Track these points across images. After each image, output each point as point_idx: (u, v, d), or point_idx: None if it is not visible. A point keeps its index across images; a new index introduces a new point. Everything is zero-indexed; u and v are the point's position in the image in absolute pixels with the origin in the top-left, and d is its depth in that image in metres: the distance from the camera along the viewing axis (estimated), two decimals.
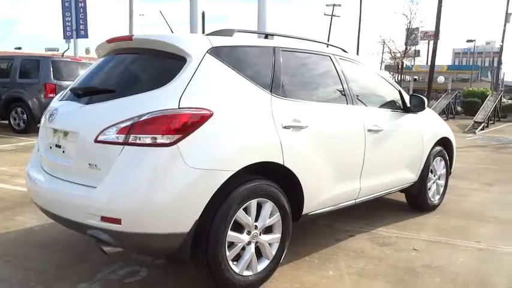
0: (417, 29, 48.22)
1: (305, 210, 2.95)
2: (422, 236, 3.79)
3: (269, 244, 2.71)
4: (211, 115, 2.34)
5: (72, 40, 15.95)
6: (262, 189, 2.58)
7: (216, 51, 2.58)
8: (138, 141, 2.22)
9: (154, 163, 2.21)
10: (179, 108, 2.28)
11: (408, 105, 3.98)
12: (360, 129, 3.34)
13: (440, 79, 37.74)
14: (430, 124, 4.32)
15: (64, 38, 16.01)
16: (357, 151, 3.33)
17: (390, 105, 3.88)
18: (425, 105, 3.93)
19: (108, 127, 2.29)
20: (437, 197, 4.62)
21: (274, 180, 2.68)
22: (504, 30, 31.43)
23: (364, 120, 3.40)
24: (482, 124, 15.33)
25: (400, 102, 3.98)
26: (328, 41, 33.52)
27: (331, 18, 40.26)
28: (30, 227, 3.75)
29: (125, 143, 2.23)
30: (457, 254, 3.39)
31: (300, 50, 3.17)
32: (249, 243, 2.59)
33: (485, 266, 3.18)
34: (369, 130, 3.41)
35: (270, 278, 2.77)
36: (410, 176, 4.08)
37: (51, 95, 8.97)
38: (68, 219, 2.40)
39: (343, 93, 3.33)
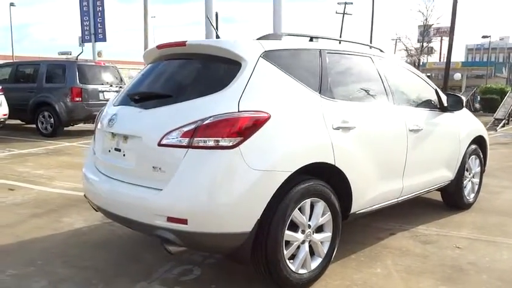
0: (430, 25, 47.91)
1: (353, 209, 3.01)
2: (463, 234, 3.82)
3: (321, 242, 2.78)
4: (269, 117, 2.42)
5: (85, 44, 16.23)
6: (315, 189, 2.65)
7: (268, 55, 2.65)
8: (201, 144, 2.30)
9: (218, 165, 2.30)
10: (239, 111, 2.36)
11: (445, 104, 4.01)
12: (402, 129, 3.39)
13: (457, 76, 37.26)
14: (465, 123, 4.34)
15: (82, 42, 16.31)
16: (400, 150, 3.38)
17: (428, 104, 3.92)
18: (463, 104, 3.95)
19: (171, 131, 2.37)
20: (472, 195, 4.63)
21: (325, 180, 2.75)
22: None
23: (405, 120, 3.44)
24: (503, 121, 15.16)
25: (436, 101, 4.01)
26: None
27: (343, 16, 40.10)
28: (78, 227, 3.87)
29: (189, 146, 2.32)
30: (500, 252, 3.42)
31: (343, 51, 3.23)
32: (303, 242, 2.67)
33: None
34: (411, 130, 3.46)
35: (322, 276, 2.84)
36: (447, 175, 4.11)
37: (77, 99, 9.16)
38: (133, 220, 2.49)
39: (384, 93, 3.38)
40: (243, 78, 2.49)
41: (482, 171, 4.77)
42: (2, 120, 8.69)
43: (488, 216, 4.35)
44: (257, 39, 2.84)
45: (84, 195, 3.17)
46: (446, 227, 4.00)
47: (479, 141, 4.59)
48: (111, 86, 9.91)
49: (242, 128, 2.32)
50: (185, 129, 2.34)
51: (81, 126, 10.69)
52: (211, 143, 2.30)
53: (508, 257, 3.32)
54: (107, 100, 9.67)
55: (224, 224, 2.32)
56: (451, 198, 4.43)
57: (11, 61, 17.12)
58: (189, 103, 2.45)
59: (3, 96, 8.71)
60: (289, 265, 2.58)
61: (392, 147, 3.32)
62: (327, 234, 2.81)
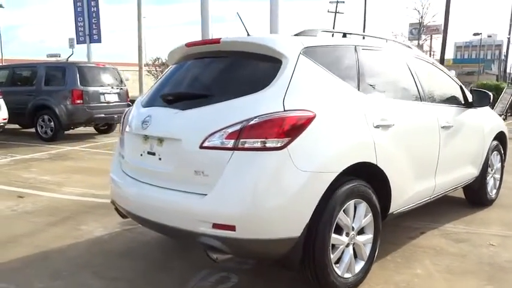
0: (425, 24, 48.19)
1: (391, 209, 2.93)
2: (492, 231, 3.76)
3: (363, 245, 2.69)
4: (314, 116, 2.32)
5: (78, 45, 15.98)
6: (359, 190, 2.56)
7: (308, 52, 2.55)
8: (248, 146, 2.20)
9: (267, 168, 2.19)
10: (285, 110, 2.26)
11: (469, 99, 3.95)
12: (435, 126, 3.32)
13: (452, 73, 37.52)
14: (488, 119, 4.29)
15: (77, 43, 16.04)
16: (434, 148, 3.31)
17: (454, 100, 3.86)
18: (490, 100, 3.89)
19: (214, 133, 2.26)
20: (494, 191, 4.59)
21: (365, 180, 2.66)
22: (511, 24, 31.29)
23: (437, 117, 3.37)
24: (502, 116, 15.28)
25: (461, 97, 3.95)
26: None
27: (335, 15, 40.18)
28: (98, 235, 3.73)
29: (235, 148, 2.20)
30: None
31: (376, 47, 3.15)
32: (347, 245, 2.57)
33: None
34: (442, 127, 3.39)
35: (364, 280, 2.75)
36: (473, 171, 4.05)
37: (79, 102, 8.96)
38: (172, 227, 2.37)
39: (416, 89, 3.31)
40: (285, 75, 2.38)
41: (502, 167, 4.73)
42: (1, 124, 8.44)
43: None
44: (294, 35, 2.73)
45: (112, 201, 3.04)
46: (473, 224, 3.94)
47: (500, 137, 4.55)
48: (112, 87, 9.72)
49: (290, 128, 2.21)
50: (229, 130, 2.23)
51: (80, 129, 10.48)
52: (257, 145, 2.19)
53: None
54: (108, 102, 9.57)
55: (274, 230, 2.21)
56: (475, 195, 4.37)
57: (7, 64, 16.74)
58: (231, 103, 2.34)
59: (2, 100, 8.47)
60: (336, 269, 2.49)
61: (427, 144, 3.25)
62: (368, 236, 2.72)
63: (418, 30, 47.06)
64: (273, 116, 2.22)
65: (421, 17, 35.27)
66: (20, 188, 5.37)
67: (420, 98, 3.31)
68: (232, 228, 2.17)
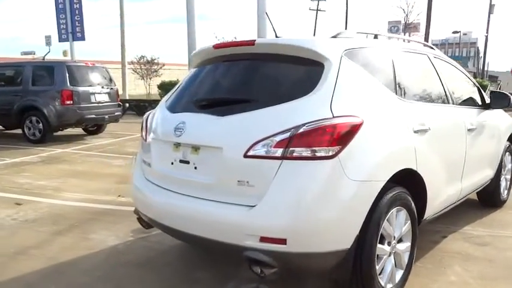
0: (399, 21, 48.94)
1: (426, 215, 2.87)
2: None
3: (402, 253, 2.62)
4: (362, 123, 2.22)
5: (60, 43, 15.50)
6: (400, 197, 2.48)
7: (349, 54, 2.45)
8: (297, 155, 2.08)
9: (318, 178, 2.08)
10: (334, 117, 2.15)
11: (487, 101, 3.94)
12: (462, 128, 3.28)
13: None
14: (502, 119, 4.30)
15: (59, 41, 15.55)
16: (462, 151, 3.27)
17: (474, 102, 3.84)
18: (510, 102, 3.88)
19: (260, 141, 2.14)
20: (506, 192, 4.60)
21: (405, 186, 2.58)
22: (488, 21, 32.05)
23: (464, 120, 3.34)
24: None
25: (479, 98, 3.94)
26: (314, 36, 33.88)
27: (317, 13, 40.27)
28: (112, 245, 3.55)
29: (284, 157, 2.09)
30: None
31: (407, 50, 3.08)
32: (389, 254, 2.50)
33: None
34: (468, 129, 3.36)
35: None
36: (490, 173, 4.05)
37: (68, 102, 8.64)
38: (212, 240, 2.24)
39: (443, 92, 3.26)
40: (330, 79, 2.28)
41: None
42: None
43: None
44: (331, 37, 2.63)
45: (135, 210, 2.89)
46: (492, 227, 3.93)
47: (510, 137, 4.56)
48: (102, 87, 9.41)
49: (340, 136, 2.11)
50: (277, 138, 2.10)
51: (69, 131, 10.13)
52: (308, 153, 2.08)
53: None
54: (99, 103, 9.27)
55: (326, 242, 2.11)
56: (489, 197, 4.37)
57: None
58: (274, 109, 2.22)
59: None
60: (380, 281, 2.41)
61: (457, 147, 3.21)
62: (407, 244, 2.65)
63: (397, 28, 47.84)
64: (323, 123, 2.11)
65: (406, 16, 35.71)
66: (15, 194, 5.11)
67: (447, 100, 3.27)
68: (283, 241, 2.06)
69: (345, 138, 2.13)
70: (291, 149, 2.07)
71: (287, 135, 2.09)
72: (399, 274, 2.60)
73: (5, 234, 3.81)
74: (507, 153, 4.47)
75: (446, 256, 3.27)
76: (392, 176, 2.36)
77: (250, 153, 2.15)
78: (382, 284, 2.43)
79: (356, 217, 2.17)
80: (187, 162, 2.44)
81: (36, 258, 3.26)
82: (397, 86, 2.68)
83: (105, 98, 9.42)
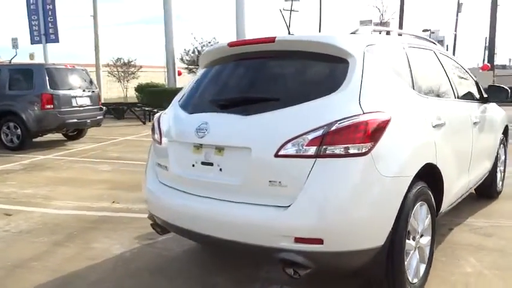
0: (370, 20, 49.84)
1: (442, 208, 2.88)
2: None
3: (424, 247, 2.62)
4: (390, 118, 2.20)
5: (33, 45, 14.98)
6: (423, 192, 2.48)
7: (371, 50, 2.43)
8: (331, 153, 2.04)
9: (353, 175, 2.05)
10: (364, 113, 2.12)
11: (484, 95, 4.01)
12: (469, 122, 3.33)
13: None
14: (498, 112, 4.39)
15: (32, 44, 15.02)
16: (469, 144, 3.31)
17: (475, 96, 3.90)
18: (509, 95, 3.97)
19: (291, 139, 2.08)
20: (500, 183, 4.72)
21: (425, 181, 2.58)
22: (457, 20, 33.01)
23: (470, 114, 3.39)
24: None
25: (477, 92, 4.01)
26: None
27: (290, 13, 40.47)
28: (117, 253, 3.41)
29: (317, 155, 2.04)
30: None
31: (417, 46, 3.09)
32: (414, 249, 2.49)
33: None
34: (474, 123, 3.41)
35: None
36: (489, 165, 4.13)
37: (49, 106, 8.31)
38: (244, 244, 2.17)
39: (450, 87, 3.30)
40: (356, 76, 2.24)
41: (506, 159, 4.87)
42: None
43: None
44: (350, 33, 2.60)
45: (150, 216, 2.78)
46: (493, 217, 4.01)
47: (505, 129, 4.68)
48: (83, 90, 9.11)
49: (372, 132, 2.08)
50: (310, 136, 2.05)
51: (48, 136, 9.76)
52: (341, 151, 2.04)
53: None
54: (80, 106, 8.97)
55: (362, 240, 2.08)
56: (486, 188, 4.46)
57: None
58: (303, 107, 2.17)
59: None
60: (408, 276, 2.40)
61: (465, 141, 3.25)
62: (428, 238, 2.65)
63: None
64: (355, 119, 2.07)
65: (382, 15, 36.40)
66: (2, 204, 4.86)
67: (455, 95, 3.30)
68: (319, 241, 2.01)
69: (377, 134, 2.10)
70: (324, 146, 2.03)
71: (320, 133, 2.04)
72: (422, 268, 2.60)
73: None
74: (502, 144, 4.58)
75: (458, 248, 3.30)
76: (418, 171, 2.35)
77: (282, 152, 2.09)
78: (410, 278, 2.42)
79: (389, 213, 2.15)
80: (211, 164, 2.35)
81: (38, 271, 3.09)
82: (413, 81, 2.68)
83: (87, 101, 9.12)
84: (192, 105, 2.65)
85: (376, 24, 46.49)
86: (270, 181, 2.11)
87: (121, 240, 3.68)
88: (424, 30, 49.01)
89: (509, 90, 3.99)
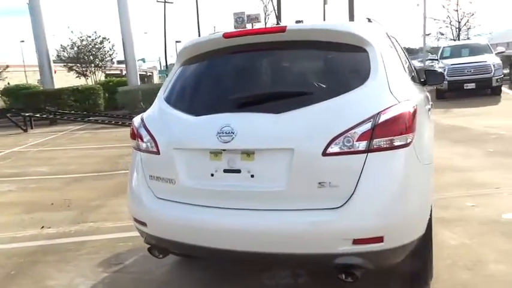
0: (243, 12, 51.34)
1: None
2: (456, 194, 4.24)
3: None
4: (417, 106, 2.19)
5: None
6: None
7: (380, 38, 2.39)
8: (381, 146, 1.94)
9: (403, 167, 1.99)
10: (399, 102, 2.07)
11: (424, 78, 4.33)
12: (427, 105, 3.54)
13: None
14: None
15: None
16: (428, 126, 3.52)
17: (419, 79, 4.17)
18: (444, 78, 4.33)
19: (339, 135, 1.93)
20: None
21: None
22: (324, 11, 35.70)
23: (426, 96, 3.60)
24: None
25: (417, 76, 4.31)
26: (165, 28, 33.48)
27: (164, 4, 39.30)
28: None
29: (368, 150, 1.93)
30: (499, 198, 3.95)
31: (389, 33, 3.15)
32: None
33: None
34: (428, 108, 3.64)
35: None
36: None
37: None
38: (297, 255, 1.97)
39: (411, 72, 3.45)
40: (380, 64, 2.16)
41: None
42: None
43: (454, 174, 4.94)
44: None
45: (148, 239, 2.37)
46: (440, 191, 4.38)
47: None
48: None
49: (412, 122, 2.03)
50: (359, 131, 1.93)
51: None
52: (388, 144, 1.96)
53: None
54: None
55: (414, 231, 2.05)
56: None
57: None
58: (340, 100, 2.02)
59: None
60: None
61: (427, 123, 3.45)
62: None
63: (242, 19, 50.23)
64: (396, 110, 1.99)
65: (265, 6, 37.49)
66: None
67: (410, 78, 3.47)
68: (380, 239, 1.91)
69: (415, 123, 2.07)
70: (374, 140, 1.93)
71: (369, 126, 1.93)
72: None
73: None
74: None
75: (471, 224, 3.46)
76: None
77: (330, 150, 1.93)
78: None
79: (429, 200, 2.17)
80: (237, 171, 2.07)
81: None
82: (404, 67, 2.74)
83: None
84: (196, 105, 2.30)
85: (253, 16, 48.26)
86: (319, 183, 1.94)
87: (80, 271, 3.11)
88: (297, 22, 52.58)
89: (444, 73, 4.39)
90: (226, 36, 2.34)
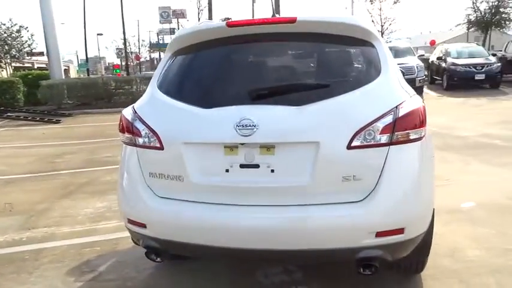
0: (169, 7, 50.31)
1: None
2: None
3: None
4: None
5: None
6: None
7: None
8: (401, 139, 1.97)
9: (420, 159, 2.04)
10: (411, 96, 2.12)
11: None
12: None
13: None
14: None
15: None
16: None
17: None
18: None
19: (363, 128, 1.91)
20: None
21: None
22: (253, 10, 36.06)
23: None
24: None
25: None
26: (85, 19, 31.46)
27: None
28: None
29: (391, 143, 1.94)
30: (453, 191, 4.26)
31: None
32: None
33: None
34: None
35: None
36: None
37: None
38: (320, 250, 1.92)
39: None
40: (388, 58, 2.20)
41: None
42: None
43: None
44: None
45: (146, 242, 2.17)
46: None
47: None
48: None
49: (425, 116, 2.08)
50: (381, 124, 1.93)
51: None
52: (407, 137, 1.98)
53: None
54: None
55: (427, 221, 2.11)
56: None
57: None
58: (359, 92, 2.00)
59: None
60: None
61: None
62: None
63: (168, 14, 49.33)
64: (411, 104, 2.03)
65: (198, 1, 36.78)
66: None
67: None
68: (401, 231, 1.94)
69: (426, 117, 2.13)
70: (396, 133, 1.95)
71: (391, 119, 1.94)
72: None
73: None
74: None
75: None
76: None
77: (355, 143, 1.91)
78: None
79: (435, 191, 2.24)
80: (256, 166, 1.97)
81: None
82: None
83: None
84: (205, 97, 2.15)
85: (179, 11, 47.42)
86: (343, 176, 1.92)
87: (49, 283, 2.79)
88: (226, 19, 52.38)
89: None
90: (230, 25, 2.22)
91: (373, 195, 1.93)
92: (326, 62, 2.26)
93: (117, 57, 56.60)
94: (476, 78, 13.93)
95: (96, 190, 4.94)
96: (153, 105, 2.26)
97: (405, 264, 2.37)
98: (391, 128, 1.94)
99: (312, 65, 2.30)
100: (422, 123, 2.04)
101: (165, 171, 2.12)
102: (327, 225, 1.91)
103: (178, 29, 49.13)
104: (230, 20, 2.26)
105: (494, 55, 15.43)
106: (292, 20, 2.16)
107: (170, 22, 50.69)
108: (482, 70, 13.89)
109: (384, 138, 1.94)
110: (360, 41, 2.22)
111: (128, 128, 2.26)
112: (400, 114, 1.97)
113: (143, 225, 2.16)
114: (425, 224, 2.09)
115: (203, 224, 2.02)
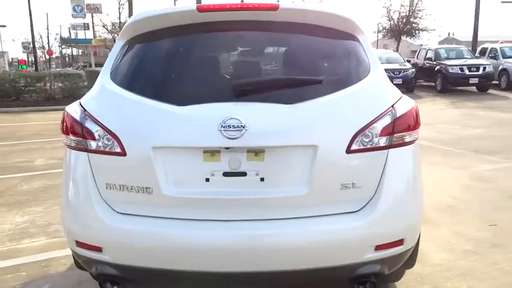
0: (82, 1, 47.41)
1: None
2: None
3: None
4: None
5: None
6: None
7: None
8: (398, 142, 1.80)
9: (415, 163, 1.89)
10: (401, 96, 1.97)
11: None
12: None
13: None
14: None
15: None
16: None
17: None
18: None
19: (362, 130, 1.71)
20: None
21: None
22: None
23: None
24: None
25: None
26: None
27: None
28: None
29: (390, 146, 1.77)
30: None
31: None
32: None
33: None
34: None
35: None
36: None
37: None
38: (318, 269, 1.68)
39: None
40: (374, 54, 2.03)
41: None
42: None
43: None
44: None
45: (101, 270, 1.77)
46: None
47: None
48: None
49: (418, 116, 1.93)
50: (380, 125, 1.74)
51: None
52: (403, 139, 1.81)
53: None
54: None
55: (419, 229, 1.97)
56: None
57: None
58: (352, 90, 1.79)
59: None
60: None
61: None
62: None
63: (81, 8, 46.50)
64: (405, 104, 1.87)
65: None
66: None
67: None
68: (400, 242, 1.78)
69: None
70: (395, 135, 1.78)
71: (389, 120, 1.76)
72: None
73: None
74: None
75: None
76: None
77: (355, 147, 1.70)
78: None
79: None
80: (243, 174, 1.67)
81: None
82: None
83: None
84: (177, 92, 1.79)
85: (94, 6, 44.76)
86: (342, 184, 1.70)
87: None
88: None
89: None
90: (200, 9, 1.89)
91: (372, 204, 1.74)
92: (316, 56, 2.01)
93: (23, 52, 51.91)
94: (394, 82, 14.70)
95: (13, 201, 4.23)
96: (108, 101, 1.86)
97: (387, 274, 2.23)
98: (390, 130, 1.77)
99: (300, 58, 2.03)
100: (417, 125, 1.90)
101: (127, 182, 1.73)
102: (326, 240, 1.68)
103: (93, 24, 46.43)
104: (201, 4, 1.93)
105: (408, 61, 16.60)
106: (274, 8, 1.89)
107: (84, 17, 47.78)
108: (400, 75, 14.79)
109: (383, 141, 1.76)
110: (342, 33, 2.01)
111: (74, 128, 1.83)
112: (398, 114, 1.80)
113: (98, 249, 1.75)
114: (418, 233, 1.96)
115: (177, 245, 1.68)
